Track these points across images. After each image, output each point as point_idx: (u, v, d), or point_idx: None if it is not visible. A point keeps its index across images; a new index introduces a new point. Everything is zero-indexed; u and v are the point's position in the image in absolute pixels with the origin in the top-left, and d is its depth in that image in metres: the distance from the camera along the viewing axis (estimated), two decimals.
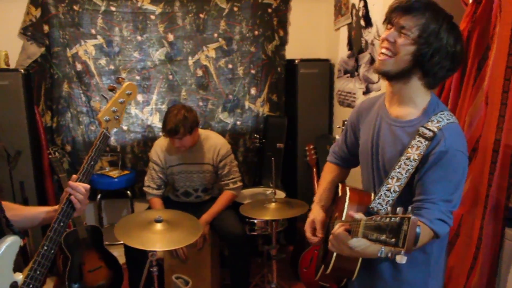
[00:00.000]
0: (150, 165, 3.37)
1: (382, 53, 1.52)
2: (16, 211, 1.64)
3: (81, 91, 4.00)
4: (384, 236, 1.13)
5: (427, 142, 1.47)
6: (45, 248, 1.50)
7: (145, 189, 3.36)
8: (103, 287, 3.25)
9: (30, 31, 3.80)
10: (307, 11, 4.27)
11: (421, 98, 1.56)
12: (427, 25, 1.44)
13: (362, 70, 3.40)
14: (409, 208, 1.17)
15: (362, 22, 3.34)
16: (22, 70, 3.56)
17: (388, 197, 1.52)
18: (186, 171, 3.33)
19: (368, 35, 3.26)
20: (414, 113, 1.56)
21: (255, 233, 3.39)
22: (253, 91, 4.25)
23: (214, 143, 3.34)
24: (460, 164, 1.47)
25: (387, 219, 1.14)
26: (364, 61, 3.36)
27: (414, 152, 1.48)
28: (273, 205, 3.02)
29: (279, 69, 4.26)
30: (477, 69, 2.17)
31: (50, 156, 3.58)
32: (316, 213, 1.87)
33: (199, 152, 3.32)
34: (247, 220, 3.32)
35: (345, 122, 1.94)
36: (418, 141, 1.48)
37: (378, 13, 3.11)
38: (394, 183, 1.51)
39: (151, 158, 3.36)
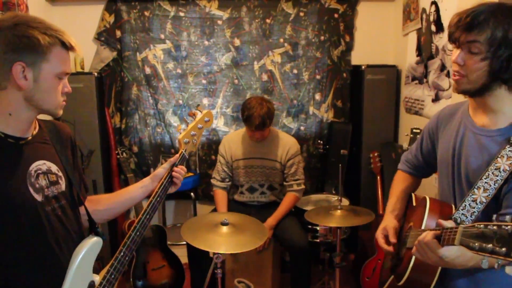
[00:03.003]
0: (218, 158, 3.49)
1: (455, 74, 1.47)
2: (114, 198, 1.79)
3: (149, 94, 4.12)
4: (490, 245, 1.05)
5: None
6: (122, 254, 1.56)
7: (212, 180, 3.48)
8: (166, 286, 3.33)
9: (104, 36, 3.96)
10: (374, 16, 4.18)
11: (509, 106, 1.46)
12: (494, 36, 1.36)
13: (431, 77, 3.29)
14: (494, 216, 1.10)
15: (433, 27, 3.24)
16: (96, 74, 3.71)
17: (474, 208, 1.43)
18: (252, 166, 3.37)
19: (439, 40, 3.16)
20: (503, 122, 1.46)
21: (318, 240, 3.36)
22: (317, 96, 4.22)
23: (285, 141, 3.37)
24: None
25: (495, 227, 1.06)
26: (434, 67, 3.25)
27: (505, 162, 1.39)
28: (338, 212, 2.98)
29: (344, 74, 4.21)
30: None
31: (118, 156, 3.72)
32: (388, 221, 1.84)
33: (268, 148, 3.35)
34: (309, 227, 3.30)
35: (422, 129, 1.87)
36: (510, 151, 1.39)
37: (450, 18, 3.00)
38: (481, 194, 1.42)
39: (219, 151, 3.48)
